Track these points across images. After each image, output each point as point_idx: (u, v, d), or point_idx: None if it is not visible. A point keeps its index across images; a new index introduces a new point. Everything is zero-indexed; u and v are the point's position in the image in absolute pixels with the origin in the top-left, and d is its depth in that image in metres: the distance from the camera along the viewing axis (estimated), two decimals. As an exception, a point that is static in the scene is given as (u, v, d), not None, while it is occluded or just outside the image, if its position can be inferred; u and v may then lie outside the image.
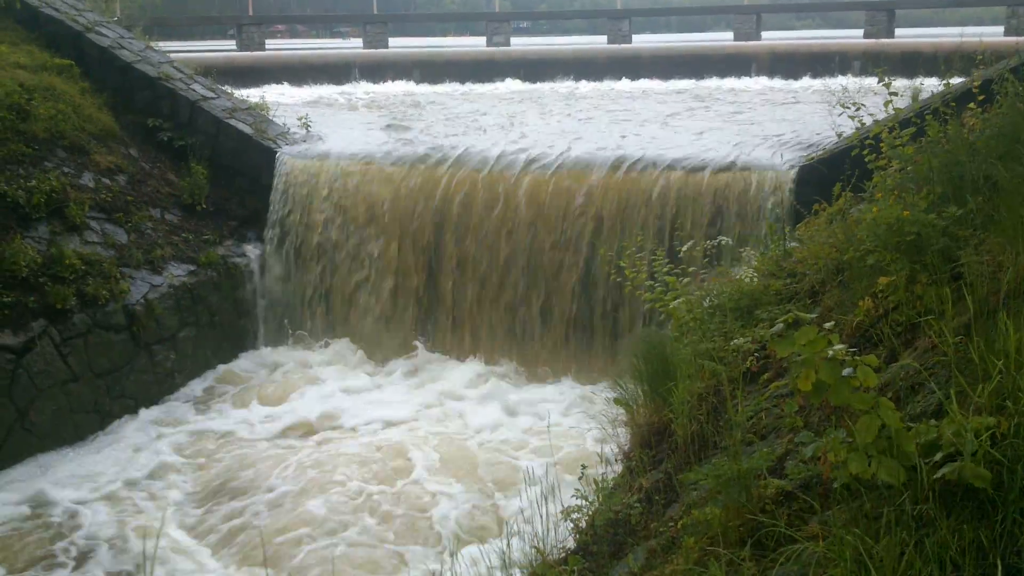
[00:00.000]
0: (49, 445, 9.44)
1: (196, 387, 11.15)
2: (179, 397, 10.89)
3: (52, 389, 9.50)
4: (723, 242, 7.60)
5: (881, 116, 7.39)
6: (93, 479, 8.94)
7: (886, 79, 6.77)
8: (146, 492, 8.78)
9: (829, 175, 8.64)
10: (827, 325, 3.36)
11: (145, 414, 10.35)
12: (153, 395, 10.64)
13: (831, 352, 2.97)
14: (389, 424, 10.00)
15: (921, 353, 3.77)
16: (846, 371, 2.97)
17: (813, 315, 3.97)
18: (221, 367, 11.59)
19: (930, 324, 3.74)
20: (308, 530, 7.88)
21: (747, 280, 5.97)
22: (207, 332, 11.50)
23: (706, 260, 7.50)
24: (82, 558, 7.71)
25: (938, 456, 2.71)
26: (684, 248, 7.43)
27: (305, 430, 9.96)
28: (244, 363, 11.82)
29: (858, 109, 7.19)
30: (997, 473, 2.63)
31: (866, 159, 6.29)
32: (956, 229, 4.41)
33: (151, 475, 9.05)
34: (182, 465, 9.29)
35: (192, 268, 11.45)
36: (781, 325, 3.26)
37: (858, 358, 3.00)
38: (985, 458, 2.64)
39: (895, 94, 6.72)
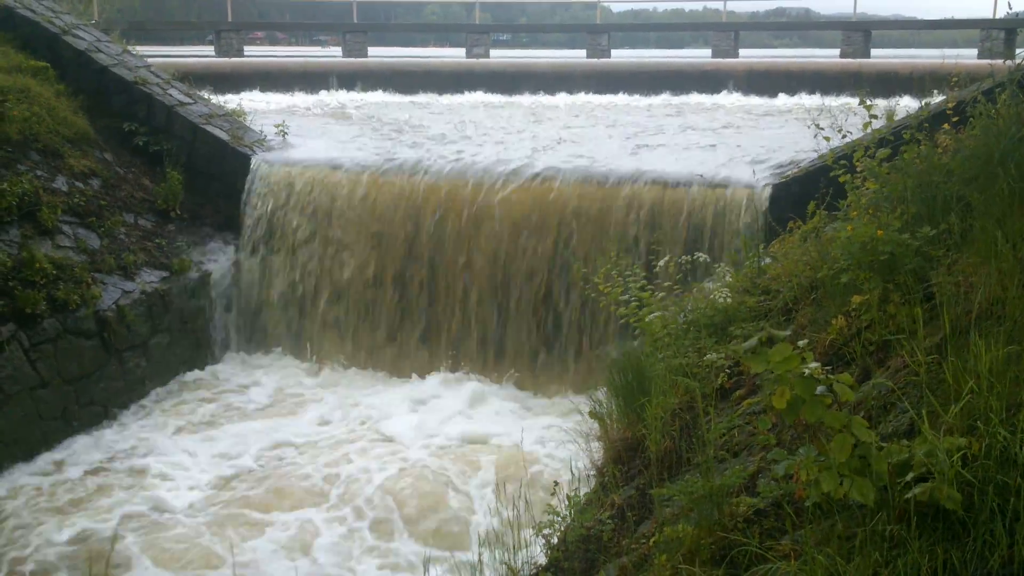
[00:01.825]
0: (15, 452, 9.26)
1: (159, 395, 10.96)
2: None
3: (20, 395, 9.34)
4: (699, 258, 7.62)
5: (857, 135, 7.46)
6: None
7: (867, 102, 6.83)
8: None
9: (804, 193, 8.70)
10: (801, 343, 3.37)
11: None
12: (123, 402, 10.49)
13: (806, 371, 2.97)
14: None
15: (893, 372, 3.79)
16: (819, 389, 2.97)
17: (787, 332, 3.98)
18: (190, 375, 11.44)
19: (902, 343, 3.76)
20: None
21: (721, 297, 5.98)
22: (178, 339, 11.38)
23: (680, 276, 7.51)
24: None
25: (910, 476, 2.71)
26: (660, 263, 7.44)
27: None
28: (212, 373, 11.66)
29: (843, 135, 7.23)
30: (968, 494, 2.63)
31: (840, 179, 6.34)
32: (929, 249, 4.44)
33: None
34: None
35: (165, 274, 11.33)
36: (755, 340, 3.25)
37: (833, 376, 3.00)
38: (957, 479, 2.64)
39: (875, 116, 6.78)
